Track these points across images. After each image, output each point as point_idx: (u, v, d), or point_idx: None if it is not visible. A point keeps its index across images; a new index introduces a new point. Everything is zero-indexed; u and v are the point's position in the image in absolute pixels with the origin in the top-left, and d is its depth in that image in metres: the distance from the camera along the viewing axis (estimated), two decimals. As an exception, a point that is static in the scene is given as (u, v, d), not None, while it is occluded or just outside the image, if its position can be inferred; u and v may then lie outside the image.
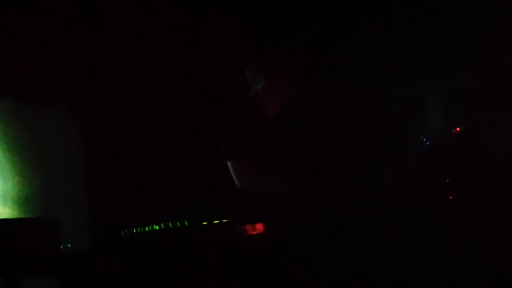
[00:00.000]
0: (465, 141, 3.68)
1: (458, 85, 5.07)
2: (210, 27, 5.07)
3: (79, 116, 5.36)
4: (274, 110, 4.35)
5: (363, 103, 5.18)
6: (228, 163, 4.02)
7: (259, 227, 3.38)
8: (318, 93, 5.17)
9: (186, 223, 3.39)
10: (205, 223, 3.38)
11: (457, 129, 3.75)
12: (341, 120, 5.15)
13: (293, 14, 4.87)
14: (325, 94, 5.23)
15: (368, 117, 5.11)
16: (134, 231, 3.44)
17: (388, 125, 5.00)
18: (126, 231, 3.46)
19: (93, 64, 4.89)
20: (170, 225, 3.39)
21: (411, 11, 4.55)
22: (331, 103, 5.23)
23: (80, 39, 4.71)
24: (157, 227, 3.41)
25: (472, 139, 3.71)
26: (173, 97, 5.40)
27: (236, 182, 4.00)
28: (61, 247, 3.42)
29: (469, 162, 3.62)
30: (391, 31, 4.74)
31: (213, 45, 5.17)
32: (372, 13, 4.65)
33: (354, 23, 4.76)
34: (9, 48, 4.31)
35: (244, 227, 3.36)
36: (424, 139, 4.14)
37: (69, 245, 3.52)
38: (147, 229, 3.42)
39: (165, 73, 5.26)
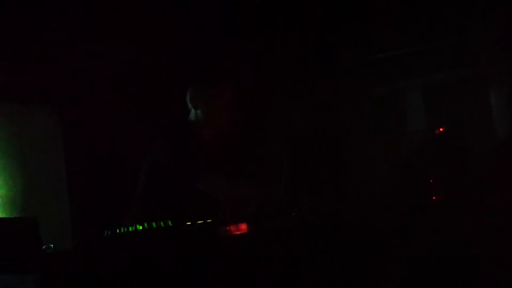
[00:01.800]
0: (448, 142, 3.65)
1: (441, 81, 5.08)
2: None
3: (60, 119, 5.32)
4: (222, 130, 4.30)
5: (345, 101, 5.20)
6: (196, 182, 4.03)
7: (243, 227, 3.28)
8: (297, 93, 5.17)
9: (169, 223, 3.24)
10: (189, 223, 3.25)
11: (440, 129, 3.71)
12: (325, 118, 5.15)
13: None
14: (308, 94, 5.23)
15: (352, 114, 5.11)
16: (118, 231, 3.29)
17: (372, 122, 5.00)
18: (109, 231, 3.31)
19: (74, 67, 4.84)
20: (154, 225, 3.25)
21: (395, 10, 4.55)
22: (313, 102, 5.24)
23: (66, 42, 4.66)
24: (141, 227, 3.27)
25: (454, 140, 3.68)
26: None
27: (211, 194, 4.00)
28: (43, 247, 3.26)
29: (451, 162, 3.60)
30: (373, 29, 4.75)
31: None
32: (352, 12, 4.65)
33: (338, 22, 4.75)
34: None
35: (228, 227, 3.26)
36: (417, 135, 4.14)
37: (52, 245, 3.33)
38: (130, 229, 3.28)
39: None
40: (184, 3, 4.52)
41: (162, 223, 3.25)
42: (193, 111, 4.32)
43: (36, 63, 4.68)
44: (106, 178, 5.19)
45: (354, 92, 5.12)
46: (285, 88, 5.04)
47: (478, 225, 3.36)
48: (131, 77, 4.96)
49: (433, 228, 3.34)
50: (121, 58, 4.84)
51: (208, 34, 4.75)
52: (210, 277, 3.11)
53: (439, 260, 3.30)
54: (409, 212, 3.40)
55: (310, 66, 5.06)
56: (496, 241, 3.38)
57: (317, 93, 5.11)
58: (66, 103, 5.21)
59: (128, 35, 4.61)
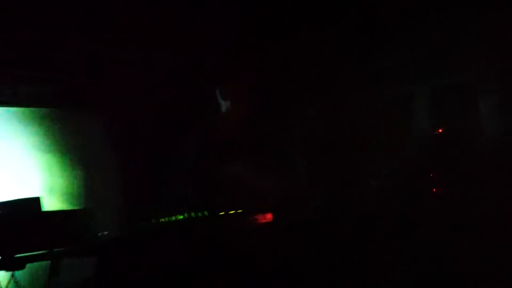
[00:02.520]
0: (448, 140, 3.80)
1: (445, 85, 5.09)
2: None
3: (111, 122, 5.54)
4: (245, 120, 4.47)
5: (357, 102, 5.25)
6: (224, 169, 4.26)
7: (269, 216, 3.57)
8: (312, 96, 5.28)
9: (206, 213, 3.58)
10: (222, 213, 3.58)
11: (440, 130, 3.88)
12: (337, 118, 5.25)
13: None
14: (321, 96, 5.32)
15: (361, 115, 5.15)
16: (162, 220, 3.63)
17: (380, 122, 5.05)
18: (155, 220, 3.65)
19: (121, 80, 5.05)
20: (193, 214, 3.57)
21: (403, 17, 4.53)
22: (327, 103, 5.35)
23: (114, 59, 4.82)
24: (181, 217, 3.59)
25: (454, 139, 3.83)
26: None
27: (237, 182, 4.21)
28: (99, 234, 3.56)
29: (451, 158, 3.75)
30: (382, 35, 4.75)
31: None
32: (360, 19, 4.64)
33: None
34: (50, 63, 4.47)
35: (255, 217, 3.56)
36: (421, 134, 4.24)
37: (106, 232, 3.63)
38: (173, 218, 3.60)
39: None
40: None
41: (199, 213, 3.57)
42: (224, 104, 4.57)
43: (88, 77, 4.78)
44: (153, 174, 5.31)
45: (366, 94, 5.18)
46: (303, 90, 5.12)
47: (475, 217, 3.44)
48: (166, 83, 5.10)
49: (434, 217, 3.53)
50: (158, 67, 4.94)
51: (234, 38, 4.81)
52: (240, 259, 3.35)
53: (440, 244, 3.40)
54: (412, 202, 3.60)
55: (328, 71, 5.13)
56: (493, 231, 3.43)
57: (331, 95, 5.21)
58: (116, 109, 5.37)
59: (167, 46, 4.70)
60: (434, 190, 3.66)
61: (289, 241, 3.44)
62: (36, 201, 3.29)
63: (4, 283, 3.63)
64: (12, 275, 3.58)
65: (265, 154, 4.36)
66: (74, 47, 4.23)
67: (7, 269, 3.31)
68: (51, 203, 4.71)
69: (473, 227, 3.44)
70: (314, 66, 4.81)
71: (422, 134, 4.47)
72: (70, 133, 5.15)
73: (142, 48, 4.54)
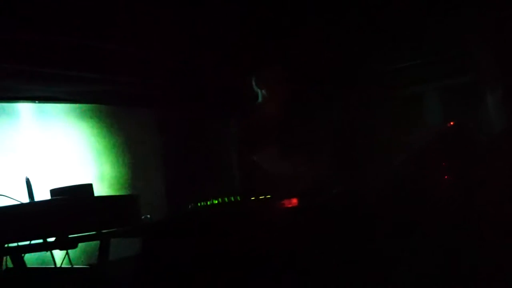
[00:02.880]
0: (458, 133, 3.95)
1: (454, 83, 5.21)
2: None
3: (157, 116, 5.90)
4: (280, 109, 4.61)
5: (374, 99, 5.37)
6: (255, 157, 4.40)
7: (294, 201, 3.65)
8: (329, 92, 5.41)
9: (238, 198, 3.72)
10: (253, 198, 3.69)
11: (451, 123, 4.03)
12: (357, 112, 5.45)
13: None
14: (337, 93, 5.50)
15: (379, 109, 5.29)
16: (199, 204, 3.78)
17: (396, 116, 5.16)
18: (192, 204, 3.81)
19: (167, 78, 5.31)
20: (226, 200, 3.70)
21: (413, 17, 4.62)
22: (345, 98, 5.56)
23: (163, 60, 5.10)
24: (216, 201, 3.74)
25: (463, 131, 3.97)
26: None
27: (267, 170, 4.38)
28: (142, 217, 3.73)
29: (461, 150, 3.91)
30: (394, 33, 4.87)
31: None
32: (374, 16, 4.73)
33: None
34: (102, 66, 4.76)
35: (283, 202, 3.64)
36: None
37: (149, 215, 3.81)
38: (208, 203, 3.74)
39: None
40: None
41: (232, 198, 3.71)
42: (259, 92, 4.67)
43: (138, 76, 5.16)
44: (191, 164, 5.68)
45: (383, 92, 5.29)
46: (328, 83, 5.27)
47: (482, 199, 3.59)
48: (208, 78, 5.35)
49: (445, 201, 3.67)
50: (199, 65, 5.16)
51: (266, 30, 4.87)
52: (269, 243, 3.52)
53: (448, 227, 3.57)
54: (426, 187, 3.79)
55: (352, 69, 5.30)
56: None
57: (354, 92, 5.40)
58: (162, 104, 5.80)
59: (209, 42, 4.88)
60: (446, 177, 3.81)
61: (312, 224, 3.60)
62: (88, 187, 3.55)
63: (58, 260, 3.96)
64: (66, 253, 3.93)
65: (293, 142, 4.51)
66: (124, 51, 4.49)
67: (61, 248, 3.56)
68: (101, 190, 5.12)
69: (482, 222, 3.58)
70: (335, 61, 4.97)
71: (435, 125, 4.60)
72: (118, 126, 5.49)
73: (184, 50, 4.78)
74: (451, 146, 3.95)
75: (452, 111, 5.02)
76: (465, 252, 3.54)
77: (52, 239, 3.37)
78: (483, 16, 4.33)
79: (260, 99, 4.69)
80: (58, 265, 3.96)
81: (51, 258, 3.98)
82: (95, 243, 3.71)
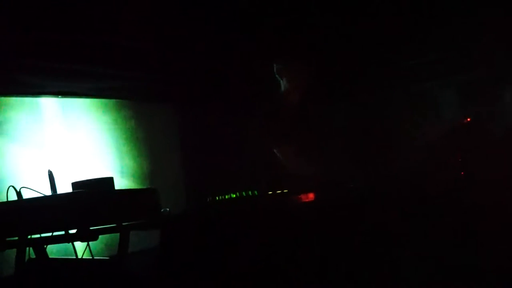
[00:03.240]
0: (474, 129, 3.96)
1: (469, 80, 5.19)
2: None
3: (177, 112, 5.93)
4: (301, 100, 4.63)
5: (390, 97, 5.39)
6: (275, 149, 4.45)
7: (311, 196, 3.78)
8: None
9: (256, 192, 3.80)
10: (270, 192, 3.80)
11: (468, 119, 4.04)
12: (374, 110, 5.44)
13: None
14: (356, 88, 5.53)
15: (395, 106, 5.30)
16: (217, 198, 3.87)
17: (411, 113, 5.17)
18: (210, 198, 3.91)
19: (187, 76, 5.37)
20: (244, 194, 3.80)
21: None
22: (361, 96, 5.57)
23: (183, 59, 5.12)
24: (234, 196, 3.83)
25: (479, 128, 3.98)
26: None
27: (285, 163, 4.43)
28: (162, 210, 3.70)
29: (476, 146, 3.91)
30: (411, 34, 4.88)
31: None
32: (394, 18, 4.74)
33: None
34: (128, 61, 4.81)
35: (299, 196, 3.77)
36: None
37: (168, 208, 3.77)
38: (226, 197, 3.84)
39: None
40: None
41: (250, 193, 3.80)
42: (281, 81, 4.69)
43: (160, 73, 5.23)
44: (210, 160, 5.62)
45: (400, 88, 5.32)
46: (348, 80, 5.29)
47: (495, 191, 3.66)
48: (227, 74, 5.34)
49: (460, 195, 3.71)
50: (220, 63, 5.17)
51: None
52: (285, 235, 3.62)
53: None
54: (442, 183, 3.79)
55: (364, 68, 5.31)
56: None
57: (370, 87, 5.43)
58: (181, 101, 5.88)
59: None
60: (462, 173, 3.83)
61: (329, 217, 3.70)
62: (109, 180, 3.57)
63: (80, 252, 4.02)
64: (87, 245, 3.87)
65: (311, 138, 4.56)
66: (146, 48, 4.54)
67: (83, 240, 3.52)
68: (121, 183, 5.12)
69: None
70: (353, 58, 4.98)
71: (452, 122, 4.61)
72: (139, 121, 5.54)
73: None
74: (467, 141, 3.91)
75: (468, 106, 4.99)
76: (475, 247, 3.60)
77: (73, 231, 3.40)
78: (499, 13, 4.31)
79: (282, 88, 4.70)
80: (79, 256, 3.98)
81: (71, 249, 3.99)
82: (115, 235, 3.69)
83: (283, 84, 4.69)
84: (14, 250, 3.55)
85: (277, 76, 4.70)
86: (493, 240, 3.58)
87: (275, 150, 4.49)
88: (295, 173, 4.33)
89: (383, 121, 5.09)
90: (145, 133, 5.71)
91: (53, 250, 4.05)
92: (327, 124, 4.67)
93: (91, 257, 3.89)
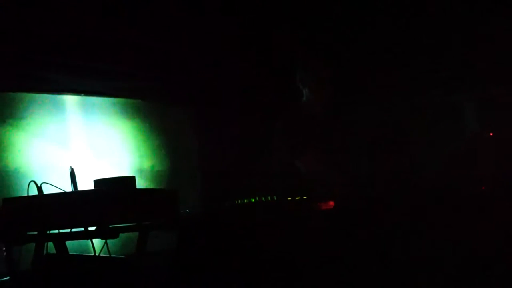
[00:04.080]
0: (496, 143, 3.90)
1: (490, 95, 5.17)
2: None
3: (195, 113, 5.90)
4: (323, 110, 4.54)
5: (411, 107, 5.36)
6: (296, 159, 4.36)
7: (331, 203, 3.69)
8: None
9: (275, 198, 3.70)
10: (289, 198, 3.69)
11: (491, 133, 3.98)
12: (394, 119, 5.43)
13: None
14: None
15: (415, 118, 5.28)
16: (236, 202, 3.79)
17: (433, 125, 5.12)
18: (229, 202, 3.82)
19: (204, 78, 5.39)
20: (263, 199, 3.70)
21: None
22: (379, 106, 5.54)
23: (199, 61, 5.14)
24: (253, 200, 3.73)
25: (502, 142, 3.93)
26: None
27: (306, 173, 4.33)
28: (181, 211, 3.78)
29: (499, 160, 3.86)
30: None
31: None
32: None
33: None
34: (149, 62, 4.85)
35: (319, 203, 3.68)
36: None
37: (187, 210, 3.89)
38: (245, 201, 3.75)
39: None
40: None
41: (269, 198, 3.70)
42: (303, 91, 4.59)
43: (177, 75, 5.26)
44: (228, 159, 5.67)
45: (423, 99, 5.29)
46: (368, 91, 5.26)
47: None
48: (249, 75, 5.40)
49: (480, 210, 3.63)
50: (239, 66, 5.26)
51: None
52: (302, 242, 3.54)
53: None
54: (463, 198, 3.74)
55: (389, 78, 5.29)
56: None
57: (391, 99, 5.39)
58: (199, 102, 5.83)
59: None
60: (483, 188, 3.76)
61: (348, 225, 3.63)
62: (131, 179, 3.56)
63: (98, 249, 3.99)
64: (105, 243, 3.89)
65: (331, 145, 4.50)
66: (167, 50, 4.54)
67: (103, 237, 3.55)
68: (140, 182, 5.05)
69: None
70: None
71: (474, 135, 4.56)
72: (160, 122, 5.53)
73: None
74: (488, 155, 3.87)
75: (490, 121, 4.96)
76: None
77: (93, 228, 3.37)
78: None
79: (304, 98, 4.64)
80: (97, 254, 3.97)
81: (88, 246, 3.99)
82: (132, 235, 3.70)
83: (305, 92, 4.64)
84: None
85: (299, 84, 4.65)
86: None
87: (296, 156, 4.41)
88: (316, 179, 4.25)
89: (407, 130, 5.06)
90: (164, 134, 5.71)
91: (70, 247, 4.03)
92: (349, 132, 4.59)
93: (108, 255, 3.85)
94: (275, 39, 4.90)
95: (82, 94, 5.15)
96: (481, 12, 4.38)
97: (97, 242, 3.86)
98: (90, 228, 3.36)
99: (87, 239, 3.67)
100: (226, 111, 5.67)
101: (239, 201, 3.79)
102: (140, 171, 5.43)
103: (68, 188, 3.66)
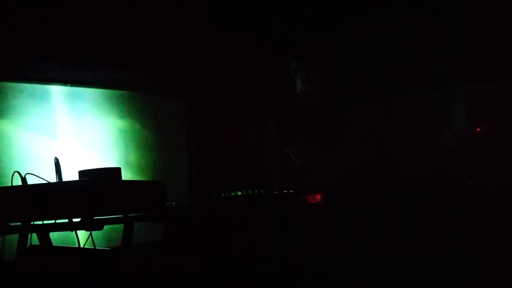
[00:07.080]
0: (484, 138, 3.83)
1: (479, 89, 5.13)
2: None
3: (185, 106, 5.80)
4: (316, 100, 4.44)
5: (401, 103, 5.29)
6: (287, 148, 4.26)
7: (318, 197, 3.57)
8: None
9: (262, 191, 3.60)
10: (276, 192, 3.61)
11: (478, 129, 3.91)
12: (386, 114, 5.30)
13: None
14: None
15: (406, 113, 5.21)
16: (222, 195, 3.68)
17: (422, 120, 5.08)
18: (215, 194, 3.71)
19: (196, 71, 5.29)
20: (250, 192, 3.60)
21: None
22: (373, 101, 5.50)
23: (194, 53, 5.02)
24: (240, 193, 3.63)
25: (490, 137, 3.86)
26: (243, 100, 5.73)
27: (297, 162, 4.24)
28: (167, 203, 3.63)
29: (487, 156, 3.78)
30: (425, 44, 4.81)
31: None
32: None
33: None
34: (137, 52, 4.71)
35: (306, 197, 3.58)
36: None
37: (173, 202, 3.73)
38: (232, 194, 3.65)
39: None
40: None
41: (256, 191, 3.60)
42: (296, 81, 4.49)
43: (167, 66, 5.12)
44: (216, 152, 5.63)
45: (411, 95, 5.24)
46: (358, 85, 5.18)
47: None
48: (240, 67, 5.29)
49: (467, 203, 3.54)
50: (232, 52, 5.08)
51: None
52: (290, 237, 3.49)
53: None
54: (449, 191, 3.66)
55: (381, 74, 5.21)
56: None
57: (381, 94, 5.28)
58: (188, 94, 5.77)
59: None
60: (469, 183, 3.66)
61: (335, 219, 3.54)
62: (117, 170, 3.45)
63: (82, 241, 3.86)
64: (90, 235, 3.81)
65: (324, 137, 4.42)
66: (155, 40, 4.44)
67: (87, 229, 3.45)
68: (126, 175, 4.95)
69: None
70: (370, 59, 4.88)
71: (463, 130, 4.51)
72: (147, 114, 5.43)
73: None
74: (476, 150, 3.80)
75: (479, 116, 4.91)
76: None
77: (77, 220, 3.25)
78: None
79: (298, 89, 4.53)
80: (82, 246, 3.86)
81: (72, 238, 3.85)
82: (117, 227, 3.59)
83: (298, 83, 4.51)
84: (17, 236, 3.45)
85: (292, 75, 4.53)
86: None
87: (288, 148, 4.30)
88: (306, 172, 4.17)
89: (400, 122, 5.00)
90: (153, 126, 5.62)
91: (53, 238, 3.92)
92: (341, 123, 4.52)
93: (93, 247, 3.76)
94: (267, 30, 4.79)
95: (69, 84, 5.02)
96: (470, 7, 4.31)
97: (81, 234, 3.74)
98: (74, 220, 3.23)
99: (72, 231, 3.53)
100: (215, 104, 5.59)
101: (226, 194, 3.70)
102: (127, 163, 5.33)
103: (53, 179, 3.51)
